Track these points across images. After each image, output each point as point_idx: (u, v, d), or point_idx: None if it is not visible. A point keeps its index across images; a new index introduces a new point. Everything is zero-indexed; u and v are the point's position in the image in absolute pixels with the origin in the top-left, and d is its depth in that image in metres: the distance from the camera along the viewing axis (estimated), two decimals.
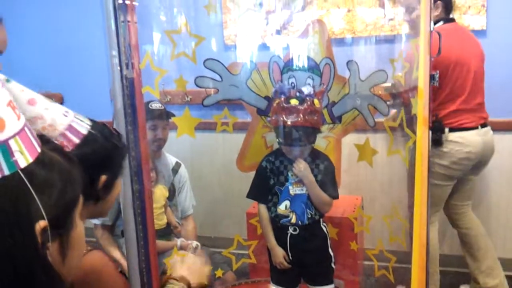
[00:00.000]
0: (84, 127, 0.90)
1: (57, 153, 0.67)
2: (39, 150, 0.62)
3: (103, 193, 0.94)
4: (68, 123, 0.87)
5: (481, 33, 2.25)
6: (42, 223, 0.58)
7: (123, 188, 1.48)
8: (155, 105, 2.10)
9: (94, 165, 0.87)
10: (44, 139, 0.67)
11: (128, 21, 1.41)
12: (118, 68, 1.42)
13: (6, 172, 0.57)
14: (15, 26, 3.08)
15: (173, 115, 2.10)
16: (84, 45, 2.83)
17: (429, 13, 1.19)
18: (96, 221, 2.15)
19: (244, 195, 1.84)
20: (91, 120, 0.95)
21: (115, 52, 1.41)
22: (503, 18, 2.28)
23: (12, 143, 0.58)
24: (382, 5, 2.18)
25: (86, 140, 0.88)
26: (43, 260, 0.59)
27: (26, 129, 0.62)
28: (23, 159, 0.59)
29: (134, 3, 1.44)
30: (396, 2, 2.14)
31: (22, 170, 0.58)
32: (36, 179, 0.59)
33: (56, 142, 0.75)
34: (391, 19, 2.22)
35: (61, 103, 2.69)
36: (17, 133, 0.60)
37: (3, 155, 0.57)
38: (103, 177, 0.92)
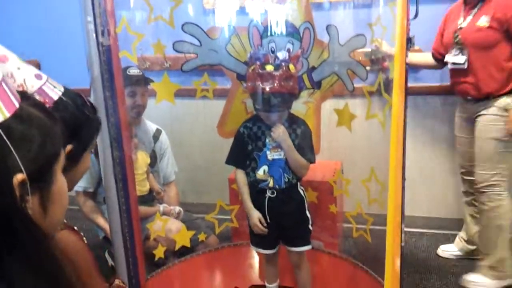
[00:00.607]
0: (55, 93, 0.89)
1: (37, 109, 0.66)
2: (17, 105, 0.62)
3: (68, 163, 0.88)
4: (39, 86, 0.86)
5: None
6: (19, 176, 0.59)
7: (103, 154, 1.48)
8: (133, 71, 2.07)
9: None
10: (24, 95, 0.66)
11: None
12: (94, 35, 1.39)
13: None
14: None
15: (152, 81, 2.07)
16: (61, 12, 2.74)
17: None
18: (78, 188, 2.15)
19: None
20: (66, 88, 0.93)
21: (90, 18, 1.38)
22: None
23: None
24: None
25: (56, 106, 0.87)
26: (22, 213, 0.60)
27: (3, 84, 0.62)
28: (0, 114, 0.59)
29: None
30: None
31: None
32: (13, 134, 0.59)
33: (37, 98, 0.74)
34: None
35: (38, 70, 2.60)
36: None
37: None
38: (69, 147, 0.88)
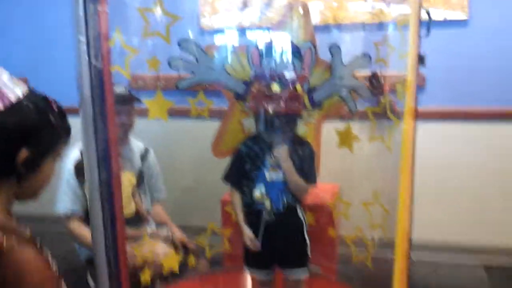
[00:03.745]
0: (14, 94, 0.84)
1: None
2: None
3: (25, 170, 0.87)
4: None
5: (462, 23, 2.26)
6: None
7: (89, 174, 1.39)
8: (119, 89, 1.97)
9: (15, 136, 0.84)
10: None
11: (99, 10, 1.32)
12: (86, 56, 1.33)
13: None
14: None
15: (139, 100, 2.00)
16: (52, 30, 2.68)
17: None
18: (67, 212, 2.05)
19: (218, 183, 1.79)
20: (31, 90, 0.89)
21: (83, 39, 1.31)
22: (485, 7, 2.28)
23: None
24: None
25: (13, 107, 0.83)
26: None
27: None
28: None
29: None
30: None
31: None
32: None
33: None
34: (374, 7, 2.16)
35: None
36: None
37: None
38: (24, 152, 0.85)
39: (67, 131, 0.96)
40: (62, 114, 0.94)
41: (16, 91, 0.85)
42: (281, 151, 1.61)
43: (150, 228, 2.19)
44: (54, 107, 0.92)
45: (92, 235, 1.47)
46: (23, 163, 0.85)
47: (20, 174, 0.87)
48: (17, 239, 0.83)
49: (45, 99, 0.91)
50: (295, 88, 1.54)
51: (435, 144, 2.44)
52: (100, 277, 1.48)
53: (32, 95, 0.88)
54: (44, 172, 0.92)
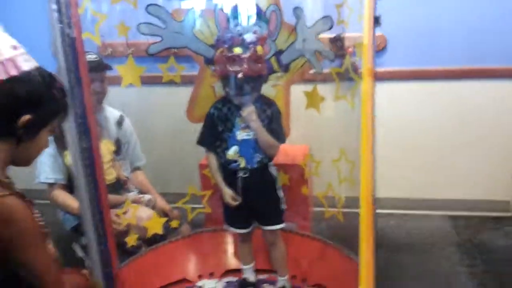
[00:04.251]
0: (28, 66, 0.94)
1: None
2: None
3: (24, 134, 0.96)
4: (12, 55, 0.91)
5: None
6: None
7: (71, 143, 1.44)
8: (90, 57, 1.95)
9: (22, 101, 0.93)
10: None
11: None
12: (59, 25, 1.34)
13: None
14: None
15: (110, 68, 2.02)
16: None
17: None
18: (49, 180, 2.07)
19: (195, 148, 1.84)
20: (40, 67, 0.98)
21: (55, 6, 1.32)
22: None
23: None
24: None
25: (23, 76, 0.93)
26: None
27: None
28: None
29: None
30: None
31: None
32: None
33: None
34: None
35: None
36: None
37: None
38: (26, 117, 0.93)
39: (65, 107, 1.05)
40: (63, 91, 1.03)
41: (28, 63, 0.95)
42: (248, 111, 1.68)
43: (132, 193, 2.24)
44: (58, 83, 1.01)
45: (79, 201, 1.53)
46: (24, 127, 0.94)
47: (19, 138, 0.95)
48: (8, 191, 0.92)
49: (51, 75, 1.00)
50: (255, 49, 1.59)
51: (397, 103, 2.53)
52: (89, 241, 1.55)
53: (41, 70, 0.98)
54: (39, 140, 1.01)
